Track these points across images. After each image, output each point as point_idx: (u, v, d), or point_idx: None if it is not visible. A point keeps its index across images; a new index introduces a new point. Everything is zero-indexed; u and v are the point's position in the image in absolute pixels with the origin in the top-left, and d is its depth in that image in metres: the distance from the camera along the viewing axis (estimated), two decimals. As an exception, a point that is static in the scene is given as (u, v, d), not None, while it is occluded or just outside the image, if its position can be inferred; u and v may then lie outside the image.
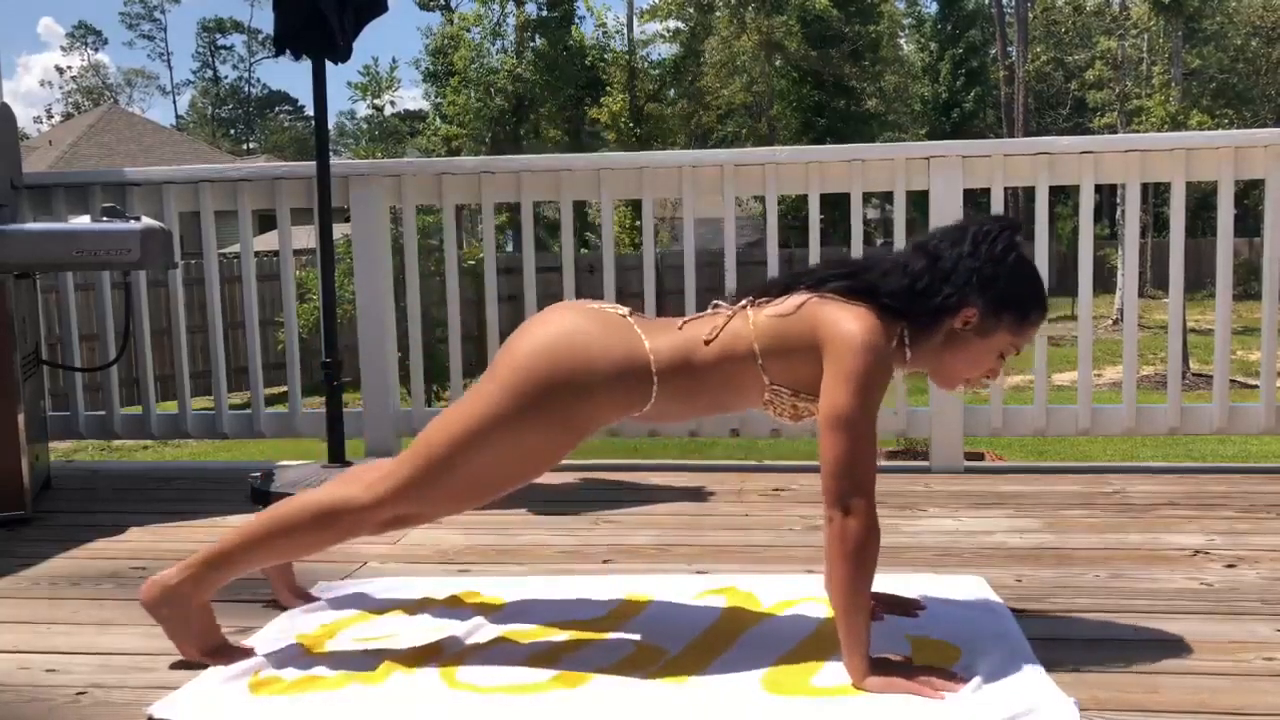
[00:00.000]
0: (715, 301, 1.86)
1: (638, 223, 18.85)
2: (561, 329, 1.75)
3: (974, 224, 1.78)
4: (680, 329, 1.79)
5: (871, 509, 1.64)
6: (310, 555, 2.01)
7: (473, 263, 10.49)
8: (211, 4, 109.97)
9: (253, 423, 3.62)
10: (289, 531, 1.80)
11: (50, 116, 58.82)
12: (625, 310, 1.84)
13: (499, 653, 1.82)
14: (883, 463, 3.36)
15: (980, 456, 5.59)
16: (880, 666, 1.65)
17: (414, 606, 2.06)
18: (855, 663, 1.64)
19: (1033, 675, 1.66)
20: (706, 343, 1.75)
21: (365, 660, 1.78)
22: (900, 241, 3.57)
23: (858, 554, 1.62)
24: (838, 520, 1.63)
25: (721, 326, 1.76)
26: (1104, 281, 18.44)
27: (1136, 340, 3.36)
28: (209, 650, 1.79)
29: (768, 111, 27.62)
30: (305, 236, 4.62)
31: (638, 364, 1.74)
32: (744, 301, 1.81)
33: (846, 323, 1.68)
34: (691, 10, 28.04)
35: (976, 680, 1.64)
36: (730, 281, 3.42)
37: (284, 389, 3.82)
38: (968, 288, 1.71)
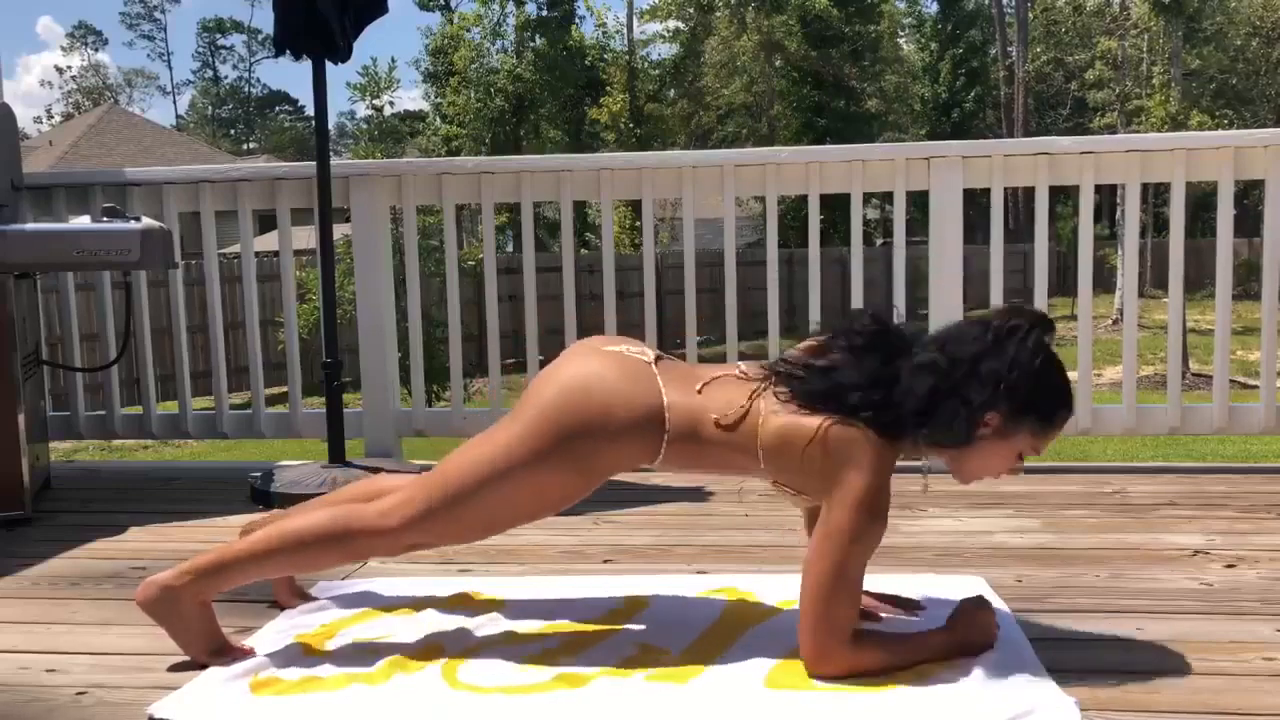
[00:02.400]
0: (740, 366, 1.84)
1: (638, 223, 18.85)
2: (586, 374, 1.75)
3: (1001, 321, 1.69)
4: (699, 391, 1.76)
5: (840, 650, 1.67)
6: (315, 573, 2.03)
7: (472, 263, 10.51)
8: (211, 4, 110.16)
9: (253, 423, 3.62)
10: (300, 549, 1.80)
11: (50, 116, 58.85)
12: (650, 356, 1.81)
13: (500, 653, 1.82)
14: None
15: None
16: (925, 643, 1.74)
17: (414, 606, 2.06)
18: (931, 653, 1.72)
19: (1033, 675, 1.66)
20: (719, 426, 1.73)
21: (366, 660, 1.78)
22: (900, 241, 3.57)
23: (852, 673, 1.67)
24: (807, 662, 1.68)
25: (736, 417, 1.72)
26: (1104, 281, 18.42)
27: (1136, 340, 3.36)
28: (210, 650, 1.79)
29: (768, 111, 27.62)
30: (305, 236, 4.62)
31: (654, 419, 1.74)
32: (769, 379, 1.76)
33: (852, 477, 1.66)
34: (691, 10, 28.03)
35: (979, 679, 1.64)
36: (730, 282, 3.43)
37: (284, 389, 3.82)
38: (994, 397, 1.66)
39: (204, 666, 1.77)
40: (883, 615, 1.94)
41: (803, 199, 3.44)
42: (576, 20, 27.25)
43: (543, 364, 3.64)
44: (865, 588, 1.75)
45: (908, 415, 1.68)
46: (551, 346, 3.82)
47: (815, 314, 3.44)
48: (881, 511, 1.68)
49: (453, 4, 28.18)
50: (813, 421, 1.69)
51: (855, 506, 1.65)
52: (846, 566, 1.66)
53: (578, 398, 1.73)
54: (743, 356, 3.51)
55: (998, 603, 1.99)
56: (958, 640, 1.75)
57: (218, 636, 1.82)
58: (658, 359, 1.82)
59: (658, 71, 28.71)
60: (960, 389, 1.66)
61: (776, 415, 1.72)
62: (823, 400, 1.71)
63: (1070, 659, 1.75)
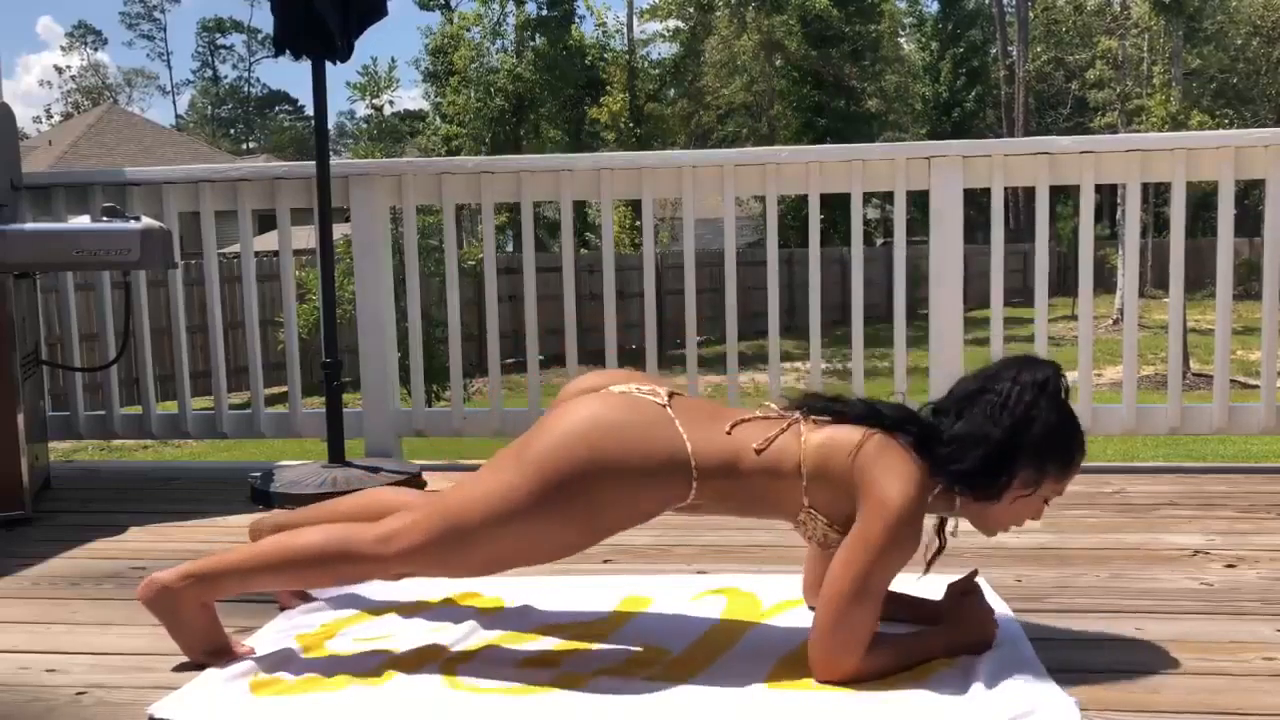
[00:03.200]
0: (766, 404, 1.83)
1: (638, 223, 18.84)
2: (593, 423, 1.69)
3: (1026, 379, 1.71)
4: (729, 433, 1.73)
5: (855, 661, 1.65)
6: (311, 589, 2.04)
7: (472, 263, 10.51)
8: (211, 4, 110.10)
9: (253, 423, 3.62)
10: (296, 568, 1.79)
11: (50, 116, 58.87)
12: (664, 397, 1.77)
13: (500, 654, 1.82)
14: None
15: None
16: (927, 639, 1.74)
17: (414, 607, 2.06)
18: (938, 652, 1.73)
19: (1033, 675, 1.66)
20: (758, 451, 1.71)
21: (366, 661, 1.78)
22: (900, 241, 3.57)
23: (856, 679, 1.65)
24: (816, 668, 1.66)
25: (773, 438, 1.72)
26: (1104, 281, 18.41)
27: (1136, 340, 3.36)
28: (211, 650, 1.79)
29: (768, 111, 27.61)
30: (305, 236, 4.62)
31: (678, 463, 1.69)
32: (798, 414, 1.76)
33: (890, 485, 1.65)
34: (691, 10, 28.02)
35: (980, 679, 1.64)
36: (730, 282, 3.43)
37: (284, 389, 3.82)
38: (1026, 455, 1.68)
39: (204, 666, 1.77)
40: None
41: (803, 199, 3.44)
42: (576, 20, 27.24)
43: (543, 364, 3.67)
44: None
45: (953, 470, 1.69)
46: (551, 346, 3.85)
47: (815, 314, 3.44)
48: (917, 526, 1.67)
49: (453, 3, 28.17)
50: (856, 433, 1.70)
51: (891, 517, 1.64)
52: (874, 576, 1.64)
53: (583, 451, 1.66)
54: (743, 356, 3.53)
55: (997, 603, 1.99)
56: (958, 640, 1.75)
57: (218, 637, 1.81)
58: (671, 396, 1.78)
59: (658, 71, 28.69)
60: (1007, 457, 1.68)
61: (817, 434, 1.72)
62: (862, 418, 1.73)
63: (1070, 659, 1.75)
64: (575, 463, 1.66)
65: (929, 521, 1.76)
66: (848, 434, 1.71)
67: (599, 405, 1.73)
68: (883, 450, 1.68)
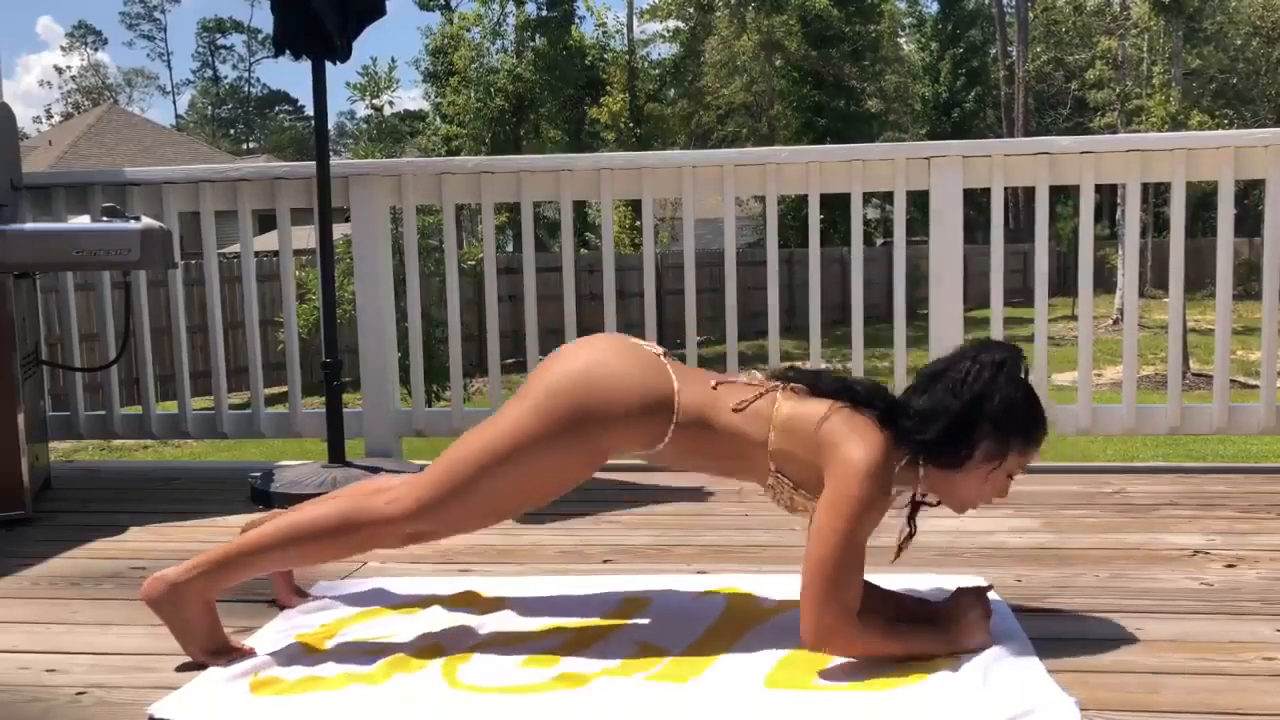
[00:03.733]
0: (754, 369, 1.92)
1: (638, 223, 18.83)
2: (594, 358, 1.80)
3: (986, 357, 1.78)
4: (714, 387, 1.83)
5: (845, 626, 1.67)
6: (323, 564, 2.03)
7: (472, 263, 10.51)
8: (211, 4, 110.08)
9: (253, 423, 3.62)
10: (307, 539, 1.81)
11: (50, 116, 58.86)
12: (660, 350, 1.88)
13: (500, 653, 1.82)
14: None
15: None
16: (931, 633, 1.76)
17: (414, 606, 2.06)
18: (931, 647, 1.74)
19: (1033, 675, 1.66)
20: (735, 410, 1.79)
21: (366, 660, 1.78)
22: (900, 241, 3.57)
23: (854, 653, 1.70)
24: (809, 637, 1.68)
25: (750, 400, 1.80)
26: (1104, 281, 18.42)
27: (1136, 340, 3.36)
28: (212, 650, 1.80)
29: (768, 111, 27.61)
30: (305, 236, 4.62)
31: (664, 402, 1.78)
32: (778, 383, 1.84)
33: (853, 449, 1.71)
34: (691, 10, 28.02)
35: (980, 679, 1.64)
36: (730, 282, 3.43)
37: (284, 389, 3.82)
38: (989, 428, 1.74)
39: (204, 666, 1.77)
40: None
41: (803, 199, 3.44)
42: (576, 20, 27.22)
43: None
44: (885, 587, 1.78)
45: (916, 440, 1.75)
46: (551, 346, 3.81)
47: (815, 314, 3.44)
48: (886, 483, 1.72)
49: (453, 4, 28.17)
50: (824, 405, 1.78)
51: (859, 476, 1.69)
52: (852, 536, 1.68)
53: (589, 381, 1.76)
54: (742, 356, 3.53)
55: (998, 604, 1.99)
56: (951, 640, 1.76)
57: (219, 636, 1.82)
58: (665, 353, 1.88)
59: (658, 71, 28.68)
60: (966, 427, 1.74)
61: (789, 404, 1.80)
62: (834, 394, 1.80)
63: (1070, 659, 1.75)
64: (580, 394, 1.75)
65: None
66: (816, 405, 1.78)
67: (600, 344, 1.84)
68: (848, 420, 1.76)
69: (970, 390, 1.75)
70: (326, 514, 1.81)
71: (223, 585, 1.82)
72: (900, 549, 1.89)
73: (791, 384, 1.83)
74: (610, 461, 1.85)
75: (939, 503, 1.88)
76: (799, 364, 1.94)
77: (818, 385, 1.82)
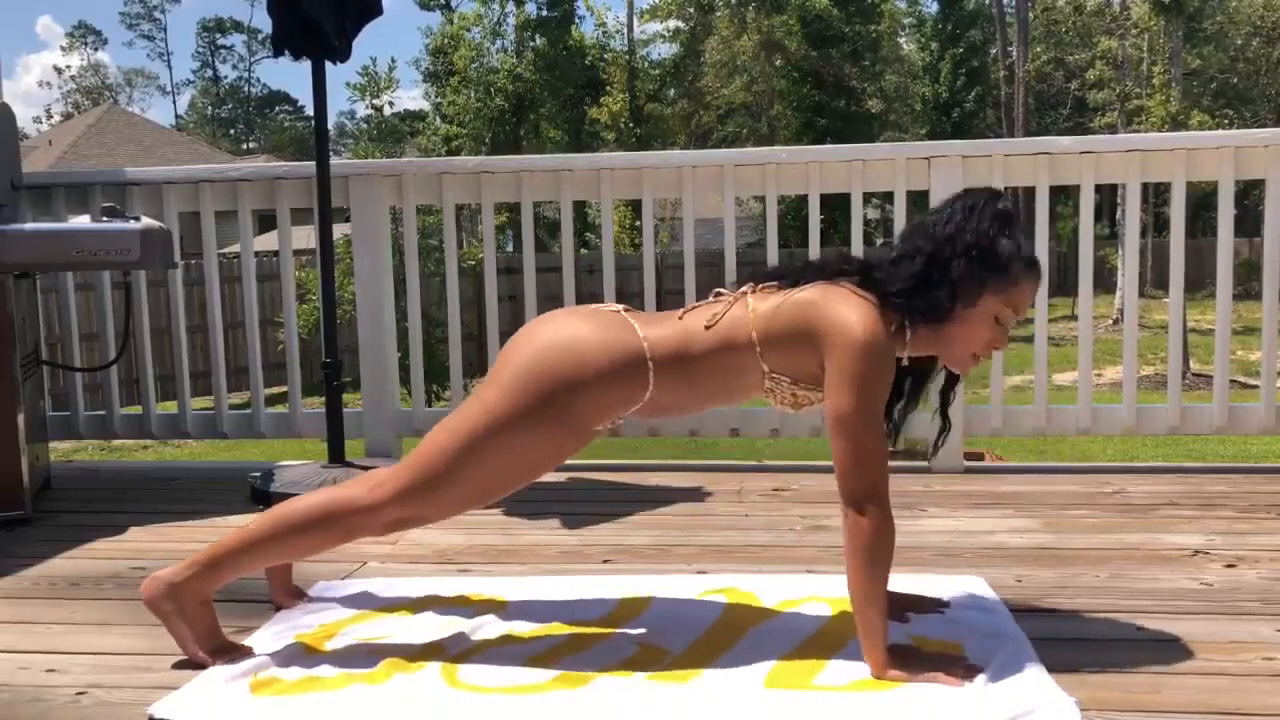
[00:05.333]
0: (717, 290, 1.88)
1: (638, 223, 18.83)
2: (556, 330, 1.79)
3: (959, 202, 1.78)
4: (681, 319, 1.81)
5: (883, 507, 1.66)
6: (314, 556, 2.02)
7: (472, 263, 10.51)
8: (211, 4, 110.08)
9: (253, 423, 3.62)
10: (293, 531, 1.81)
11: (50, 116, 58.83)
12: (620, 306, 1.87)
13: (500, 653, 1.82)
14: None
15: (980, 456, 5.59)
16: (899, 657, 1.68)
17: (414, 606, 2.06)
18: (874, 654, 1.67)
19: (1034, 675, 1.66)
20: (707, 328, 1.76)
21: (366, 660, 1.78)
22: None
23: (870, 550, 1.65)
24: (850, 518, 1.67)
25: (722, 314, 1.77)
26: (1104, 281, 18.43)
27: (1136, 340, 3.36)
28: (211, 650, 1.80)
29: (768, 111, 27.61)
30: (305, 236, 4.62)
31: (632, 354, 1.76)
32: (745, 288, 1.82)
33: (846, 319, 1.68)
34: (691, 10, 28.02)
35: (980, 679, 1.64)
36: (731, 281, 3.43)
37: (284, 389, 3.82)
38: (965, 266, 1.71)
39: (204, 666, 1.77)
40: (909, 617, 1.91)
41: (803, 199, 3.43)
42: (576, 20, 27.20)
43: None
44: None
45: (894, 296, 1.71)
46: (551, 346, 3.84)
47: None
48: (886, 347, 1.68)
49: (453, 4, 28.16)
50: (801, 291, 1.75)
51: (857, 343, 1.66)
52: (866, 412, 1.66)
53: (554, 353, 1.75)
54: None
55: (998, 605, 1.99)
56: (907, 668, 1.67)
57: (218, 636, 1.82)
58: (626, 308, 1.87)
59: (658, 71, 28.67)
60: (940, 267, 1.72)
61: (764, 302, 1.77)
62: (804, 275, 1.78)
63: (1070, 659, 1.75)
64: (546, 367, 1.74)
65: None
66: (795, 293, 1.75)
67: (560, 317, 1.82)
68: (827, 294, 1.73)
69: (942, 231, 1.73)
70: (309, 505, 1.82)
71: (218, 582, 1.82)
72: (936, 446, 1.91)
73: (760, 285, 1.80)
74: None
75: (943, 367, 1.85)
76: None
77: (784, 275, 1.80)
